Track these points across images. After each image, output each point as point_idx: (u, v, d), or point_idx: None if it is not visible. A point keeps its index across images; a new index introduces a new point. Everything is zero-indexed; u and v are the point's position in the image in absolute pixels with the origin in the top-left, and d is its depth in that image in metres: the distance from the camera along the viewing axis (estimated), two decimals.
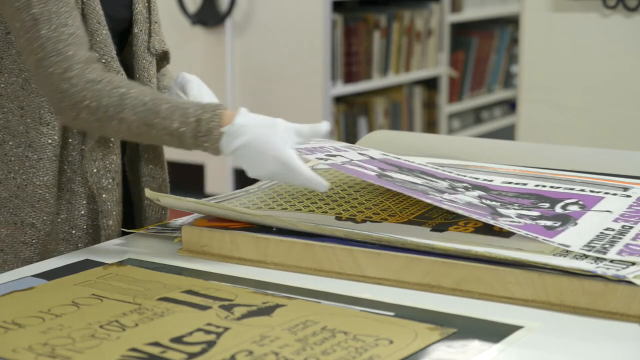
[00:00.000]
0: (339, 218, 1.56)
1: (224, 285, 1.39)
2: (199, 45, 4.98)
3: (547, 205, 1.58)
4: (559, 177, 1.75)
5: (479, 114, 6.16)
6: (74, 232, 1.71)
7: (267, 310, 1.28)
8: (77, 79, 1.57)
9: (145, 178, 1.77)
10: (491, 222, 1.45)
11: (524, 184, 1.70)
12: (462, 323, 1.25)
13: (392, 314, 1.28)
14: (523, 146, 2.46)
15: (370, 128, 5.12)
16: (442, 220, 1.53)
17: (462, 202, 1.54)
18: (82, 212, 1.71)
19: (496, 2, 6.10)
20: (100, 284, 1.39)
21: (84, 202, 1.70)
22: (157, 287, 1.37)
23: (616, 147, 2.73)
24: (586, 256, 1.36)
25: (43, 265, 1.52)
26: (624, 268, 1.31)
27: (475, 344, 1.19)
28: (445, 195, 1.55)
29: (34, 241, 1.68)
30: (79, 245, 1.70)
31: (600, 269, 1.30)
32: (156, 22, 1.78)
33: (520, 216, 1.51)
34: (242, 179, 5.36)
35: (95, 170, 1.69)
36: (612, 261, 1.34)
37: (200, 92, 1.79)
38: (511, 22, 6.18)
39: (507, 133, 5.86)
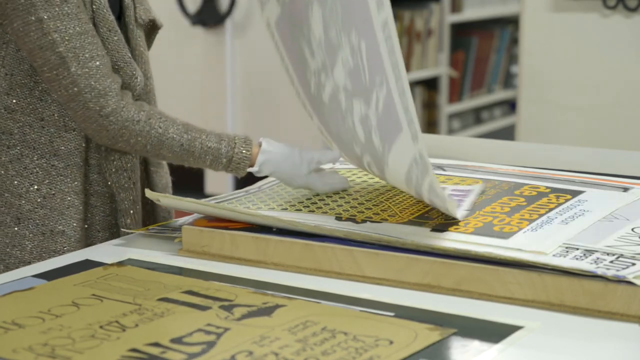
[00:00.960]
0: (339, 218, 1.56)
1: (224, 286, 1.39)
2: (198, 45, 4.98)
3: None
4: (559, 177, 1.75)
5: (479, 114, 6.16)
6: (100, 234, 1.75)
7: (267, 311, 1.28)
8: (114, 116, 1.63)
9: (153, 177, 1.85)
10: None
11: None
12: (462, 323, 1.25)
13: (392, 314, 1.28)
14: (523, 146, 2.46)
15: None
16: (442, 220, 1.53)
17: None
18: (107, 212, 1.75)
19: (496, 2, 6.10)
20: (100, 284, 1.39)
21: (107, 202, 1.74)
22: (157, 287, 1.37)
23: (616, 147, 2.73)
24: (586, 256, 1.36)
25: (43, 265, 1.52)
26: (624, 268, 1.31)
27: (475, 344, 1.19)
28: None
29: (65, 249, 1.70)
30: None
31: (600, 269, 1.30)
32: None
33: None
34: (242, 179, 5.35)
35: (113, 170, 1.72)
36: (612, 261, 1.34)
37: None
38: (511, 22, 6.18)
39: (507, 133, 5.85)
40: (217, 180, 5.11)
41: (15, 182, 1.69)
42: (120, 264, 1.49)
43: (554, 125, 3.53)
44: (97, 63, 1.63)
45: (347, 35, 1.45)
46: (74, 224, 1.70)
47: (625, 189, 1.68)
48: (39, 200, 1.69)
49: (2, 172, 1.70)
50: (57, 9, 1.60)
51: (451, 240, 1.44)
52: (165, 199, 1.62)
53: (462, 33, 5.93)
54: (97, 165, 1.73)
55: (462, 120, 5.97)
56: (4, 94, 1.69)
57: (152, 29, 1.84)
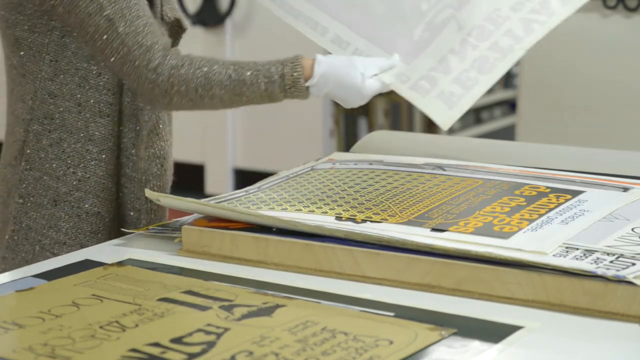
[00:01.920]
0: (339, 218, 1.56)
1: (224, 286, 1.39)
2: (198, 45, 4.98)
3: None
4: (559, 177, 1.75)
5: (479, 114, 6.15)
6: (131, 214, 1.82)
7: (267, 311, 1.28)
8: (161, 67, 1.68)
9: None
10: None
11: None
12: (462, 323, 1.25)
13: (392, 314, 1.28)
14: (523, 146, 2.46)
15: (371, 128, 5.12)
16: (442, 220, 1.53)
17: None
18: (138, 195, 1.81)
19: None
20: (100, 284, 1.39)
21: (138, 185, 1.81)
22: (157, 288, 1.37)
23: (616, 147, 2.73)
24: (586, 256, 1.36)
25: (43, 265, 1.52)
26: (624, 268, 1.31)
27: (475, 344, 1.19)
28: None
29: (100, 228, 1.78)
30: (138, 226, 1.80)
31: (600, 269, 1.30)
32: None
33: None
34: (242, 179, 5.36)
35: (145, 157, 1.79)
36: (612, 261, 1.34)
37: None
38: None
39: (507, 133, 5.85)
40: (217, 180, 5.11)
41: (54, 165, 1.77)
42: (120, 264, 1.49)
43: (554, 125, 3.53)
44: (143, 21, 1.69)
45: None
46: (108, 205, 1.78)
47: (625, 189, 1.68)
48: (74, 183, 1.76)
49: (42, 155, 1.77)
50: None
51: (451, 240, 1.44)
52: (165, 199, 1.62)
53: None
54: (128, 150, 1.79)
55: (462, 120, 5.97)
56: (48, 80, 1.75)
57: (177, 31, 1.88)
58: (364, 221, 1.54)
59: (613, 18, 3.37)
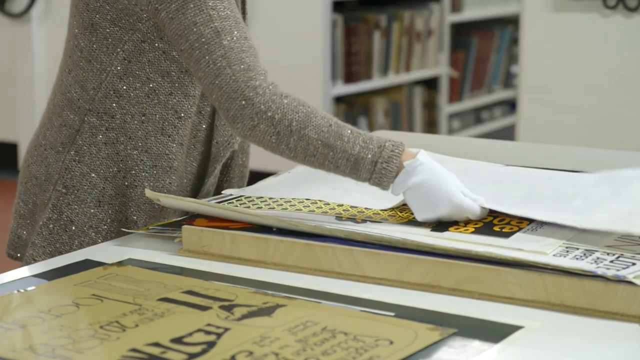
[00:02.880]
0: (339, 218, 1.56)
1: (224, 286, 1.39)
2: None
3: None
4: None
5: (479, 114, 6.16)
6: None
7: (267, 311, 1.28)
8: (262, 89, 1.58)
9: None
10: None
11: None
12: (462, 323, 1.25)
13: (392, 314, 1.28)
14: (523, 146, 2.46)
15: (371, 128, 5.12)
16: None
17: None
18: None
19: (496, 2, 6.10)
20: (101, 284, 1.39)
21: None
22: (157, 287, 1.37)
23: (616, 147, 2.73)
24: (586, 256, 1.36)
25: (43, 265, 1.52)
26: (624, 268, 1.31)
27: (475, 344, 1.19)
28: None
29: (132, 233, 1.73)
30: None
31: (600, 269, 1.30)
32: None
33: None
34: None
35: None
36: (612, 261, 1.34)
37: None
38: (511, 22, 6.18)
39: (507, 133, 5.86)
40: None
41: (105, 164, 1.73)
42: (120, 264, 1.49)
43: (554, 125, 3.53)
44: (249, 43, 1.62)
45: None
46: (145, 217, 1.75)
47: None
48: (122, 188, 1.73)
49: (94, 151, 1.73)
50: None
51: (451, 240, 1.44)
52: (166, 198, 1.62)
53: (462, 33, 5.94)
54: (177, 171, 1.76)
55: (462, 120, 5.97)
56: (116, 77, 1.70)
57: None
58: (364, 221, 1.54)
59: (613, 18, 3.37)
